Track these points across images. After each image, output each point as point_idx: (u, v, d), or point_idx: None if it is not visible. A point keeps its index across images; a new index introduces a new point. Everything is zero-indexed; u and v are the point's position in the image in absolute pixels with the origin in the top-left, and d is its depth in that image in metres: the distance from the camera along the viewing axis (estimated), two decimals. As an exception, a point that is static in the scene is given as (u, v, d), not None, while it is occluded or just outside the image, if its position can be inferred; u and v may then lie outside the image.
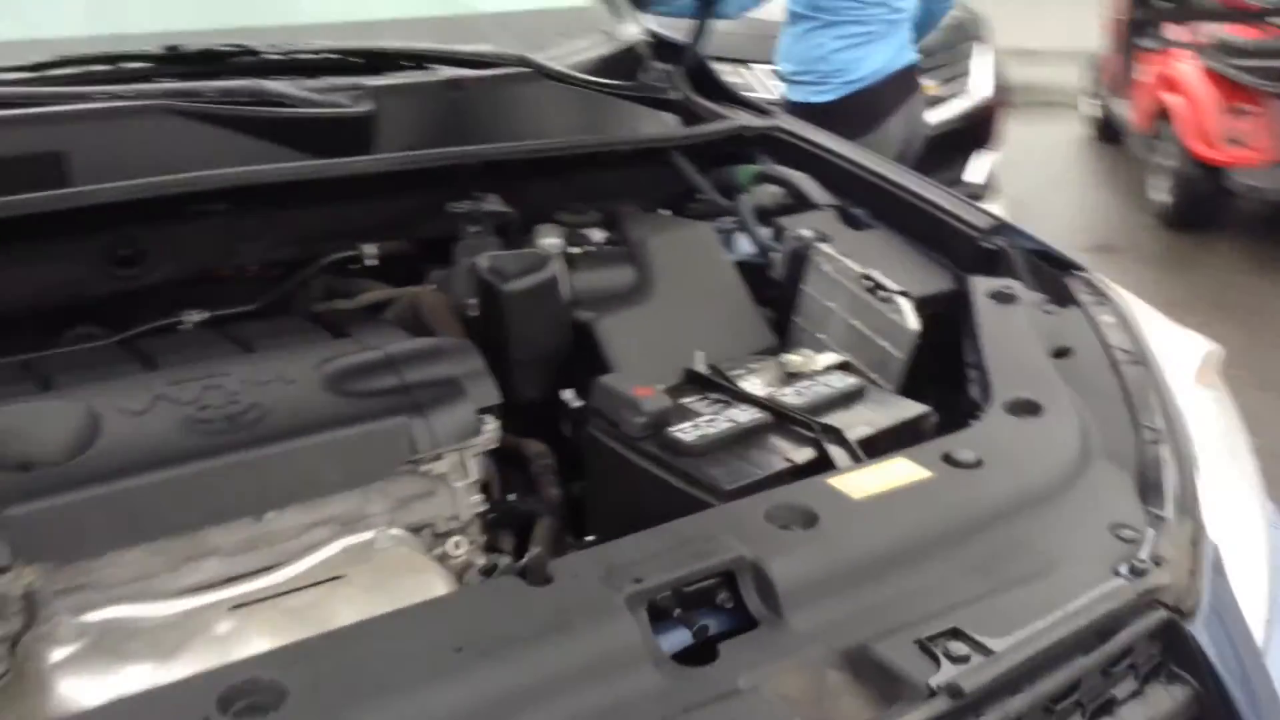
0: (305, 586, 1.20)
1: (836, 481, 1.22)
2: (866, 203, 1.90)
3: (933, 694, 0.95)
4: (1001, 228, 1.75)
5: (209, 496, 1.20)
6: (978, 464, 1.25)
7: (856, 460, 1.32)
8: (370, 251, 1.67)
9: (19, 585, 1.11)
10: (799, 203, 1.89)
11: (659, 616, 1.03)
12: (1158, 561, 1.14)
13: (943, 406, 1.48)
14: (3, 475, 1.14)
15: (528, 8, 2.26)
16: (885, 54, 3.49)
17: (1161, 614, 1.12)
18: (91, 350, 1.41)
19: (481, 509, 1.38)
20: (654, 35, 2.19)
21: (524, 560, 1.07)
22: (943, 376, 1.59)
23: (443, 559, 1.34)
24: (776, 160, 2.01)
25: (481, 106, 1.85)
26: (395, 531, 1.30)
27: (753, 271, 1.78)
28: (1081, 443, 1.32)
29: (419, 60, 1.84)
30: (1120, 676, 1.09)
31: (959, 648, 1.00)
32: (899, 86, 3.55)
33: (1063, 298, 1.64)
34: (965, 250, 1.75)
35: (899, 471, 1.24)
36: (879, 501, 1.19)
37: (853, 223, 1.86)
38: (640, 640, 0.99)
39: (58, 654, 1.10)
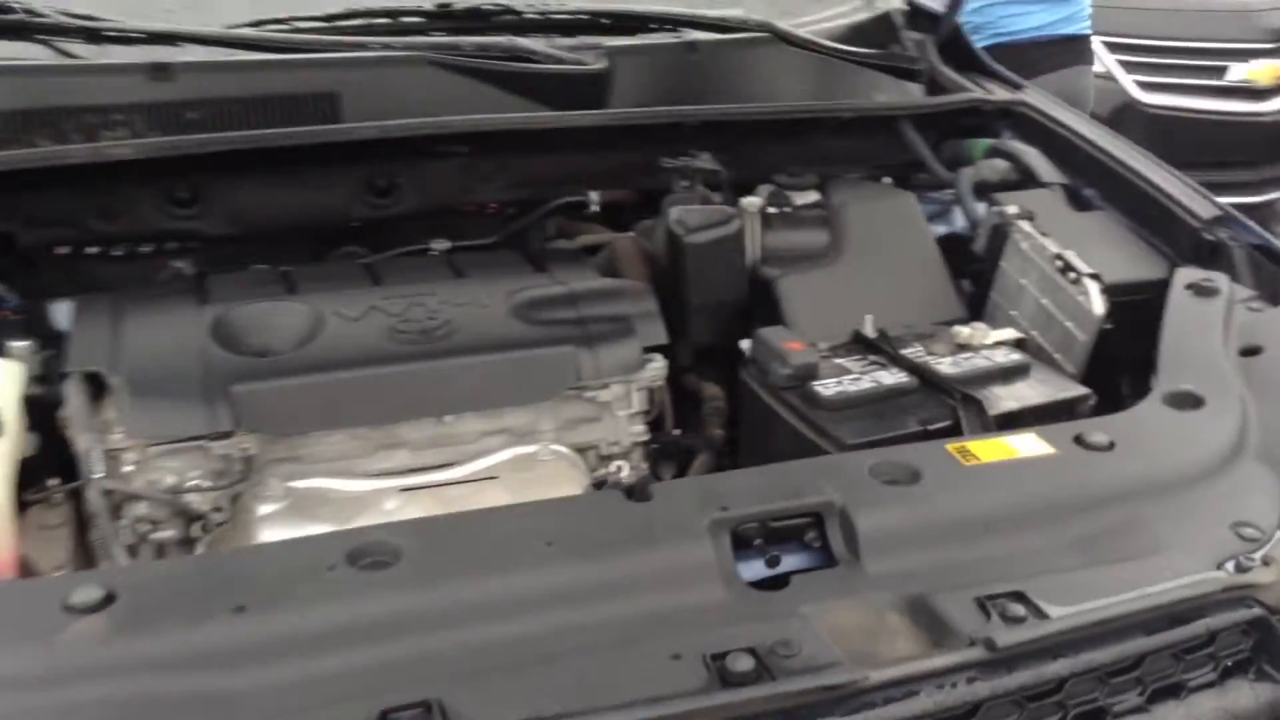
0: (464, 481, 1.38)
1: (954, 447, 1.26)
2: (1099, 184, 1.86)
3: (971, 645, 0.99)
4: (1224, 219, 1.67)
5: (400, 395, 1.40)
6: (1109, 447, 1.25)
7: (987, 431, 1.34)
8: (594, 198, 1.83)
9: (240, 450, 1.36)
10: (1025, 179, 1.87)
11: (743, 544, 1.12)
12: (1267, 562, 1.11)
13: (1133, 395, 1.46)
14: (238, 358, 1.39)
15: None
16: (1046, 16, 3.27)
17: (1256, 611, 1.09)
18: (337, 265, 1.65)
19: (645, 438, 1.51)
20: (910, 4, 2.20)
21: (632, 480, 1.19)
22: (1139, 365, 1.55)
23: (605, 480, 1.48)
24: (1019, 135, 1.99)
25: (715, 69, 1.95)
26: (558, 448, 1.46)
27: (959, 245, 1.79)
28: (1235, 440, 1.28)
29: (664, 23, 1.97)
30: (1197, 664, 1.08)
31: (1016, 609, 1.03)
32: (1057, 53, 3.31)
33: (1277, 296, 1.56)
34: (1185, 239, 1.69)
35: (1022, 445, 1.26)
36: (990, 469, 1.22)
37: (1079, 203, 1.83)
38: (714, 560, 1.09)
39: (264, 509, 1.33)
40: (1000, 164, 1.90)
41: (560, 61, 1.81)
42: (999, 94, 2.03)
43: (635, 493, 1.17)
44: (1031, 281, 1.64)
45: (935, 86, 2.08)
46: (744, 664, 0.96)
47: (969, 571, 1.09)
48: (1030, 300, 1.64)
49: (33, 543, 1.28)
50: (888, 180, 1.94)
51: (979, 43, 3.31)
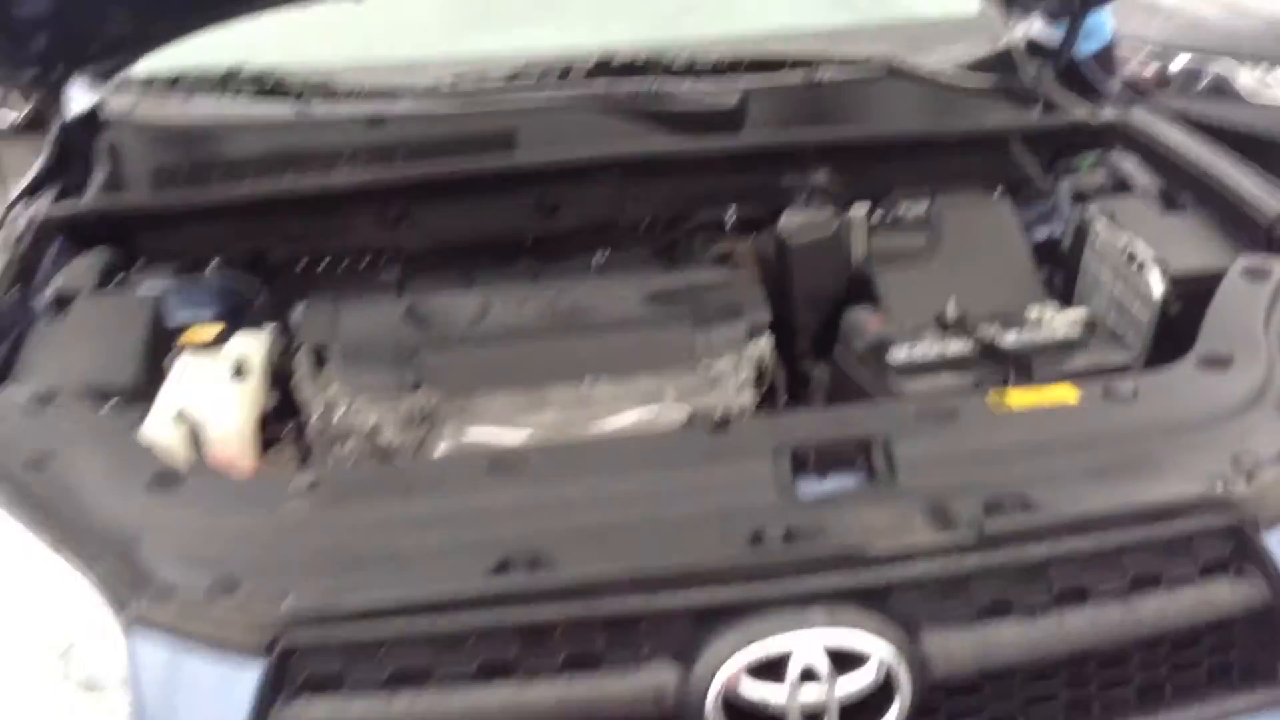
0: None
1: (993, 396, 1.49)
2: (1192, 188, 2.02)
3: (967, 529, 1.23)
4: (1289, 215, 1.81)
5: (547, 364, 1.74)
6: (1132, 396, 1.45)
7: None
8: (730, 215, 2.14)
9: (422, 403, 1.72)
10: (1120, 187, 2.06)
11: (801, 465, 1.39)
12: (1250, 477, 1.29)
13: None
14: (423, 334, 1.76)
15: (924, 17, 2.59)
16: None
17: (1233, 518, 1.28)
18: (506, 268, 2.02)
19: (753, 405, 1.80)
20: (1031, 39, 2.42)
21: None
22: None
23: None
24: (1125, 149, 2.17)
25: (838, 102, 2.23)
26: (678, 411, 1.76)
27: (1055, 246, 2.00)
28: (1255, 392, 1.45)
29: (795, 64, 2.26)
30: (1178, 561, 1.27)
31: (1016, 506, 1.26)
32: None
33: None
34: (1260, 235, 1.84)
35: (1054, 394, 1.48)
36: (1020, 412, 1.45)
37: (1170, 205, 2.00)
38: (772, 474, 1.36)
39: (439, 450, 1.69)
40: (1100, 174, 2.10)
41: (693, 101, 2.14)
42: (1106, 114, 2.22)
43: (717, 426, 1.47)
44: (1105, 271, 1.84)
45: (1050, 110, 2.29)
46: (776, 534, 1.23)
47: (986, 487, 1.32)
48: (1105, 288, 1.84)
49: (267, 470, 1.68)
50: (997, 194, 2.15)
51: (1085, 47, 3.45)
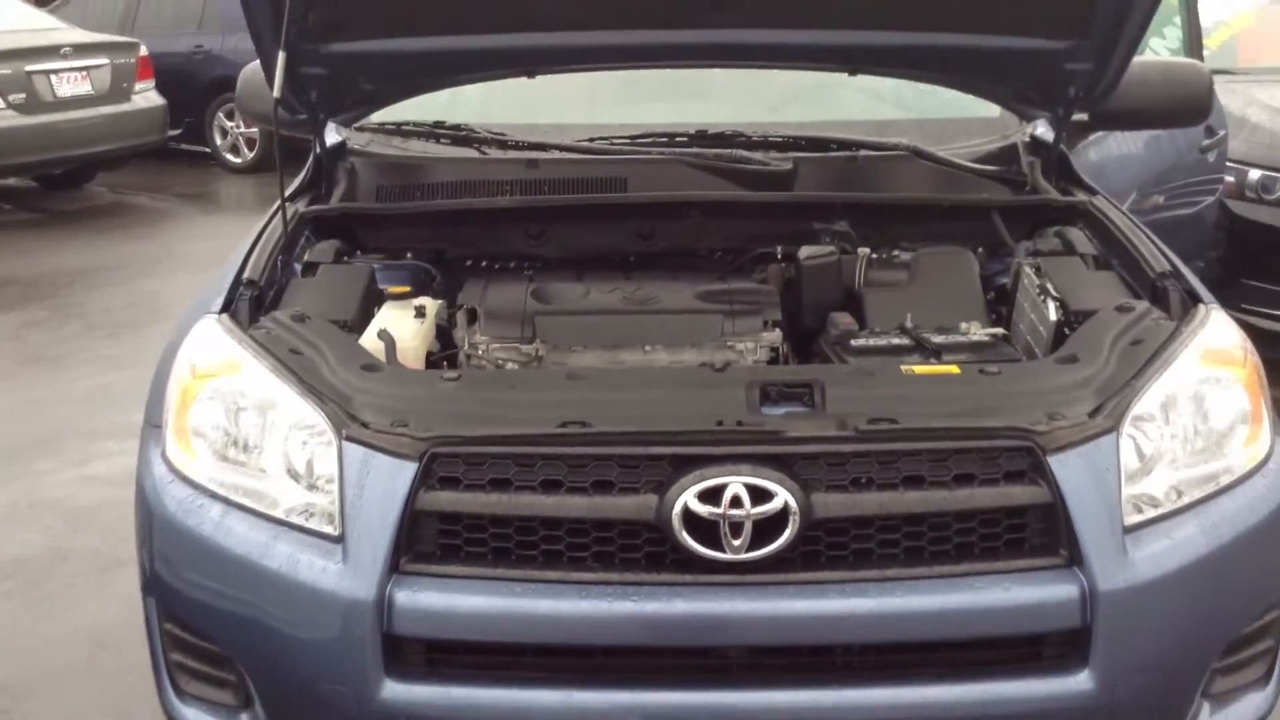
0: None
1: (905, 367, 2.23)
2: (1119, 255, 2.70)
3: (847, 427, 1.98)
4: (1169, 274, 2.47)
5: (624, 332, 2.55)
6: (998, 373, 2.18)
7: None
8: (779, 249, 2.92)
9: (535, 350, 2.55)
10: (1068, 250, 2.76)
11: (766, 396, 2.15)
12: (1051, 417, 2.00)
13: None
14: (542, 305, 2.61)
15: (953, 117, 3.35)
16: None
17: (1026, 442, 1.98)
18: (608, 272, 2.85)
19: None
20: (1033, 136, 3.14)
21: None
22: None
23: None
24: (1083, 225, 2.86)
25: (871, 173, 3.01)
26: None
27: (1002, 289, 2.73)
28: (1085, 381, 2.14)
29: (842, 145, 3.05)
30: (989, 467, 1.98)
31: (886, 421, 2.00)
32: None
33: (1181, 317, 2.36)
34: (1147, 286, 2.52)
35: (944, 369, 2.22)
36: (918, 375, 2.19)
37: (1099, 265, 2.69)
38: (744, 396, 2.12)
39: (545, 383, 2.52)
40: (1053, 241, 2.81)
41: (763, 164, 2.95)
42: (1070, 198, 2.91)
43: (718, 369, 2.26)
44: (1027, 303, 2.55)
45: (1034, 192, 3.01)
46: (732, 422, 2.01)
47: (874, 411, 2.05)
48: (1026, 315, 2.56)
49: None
50: (972, 251, 2.87)
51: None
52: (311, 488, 2.09)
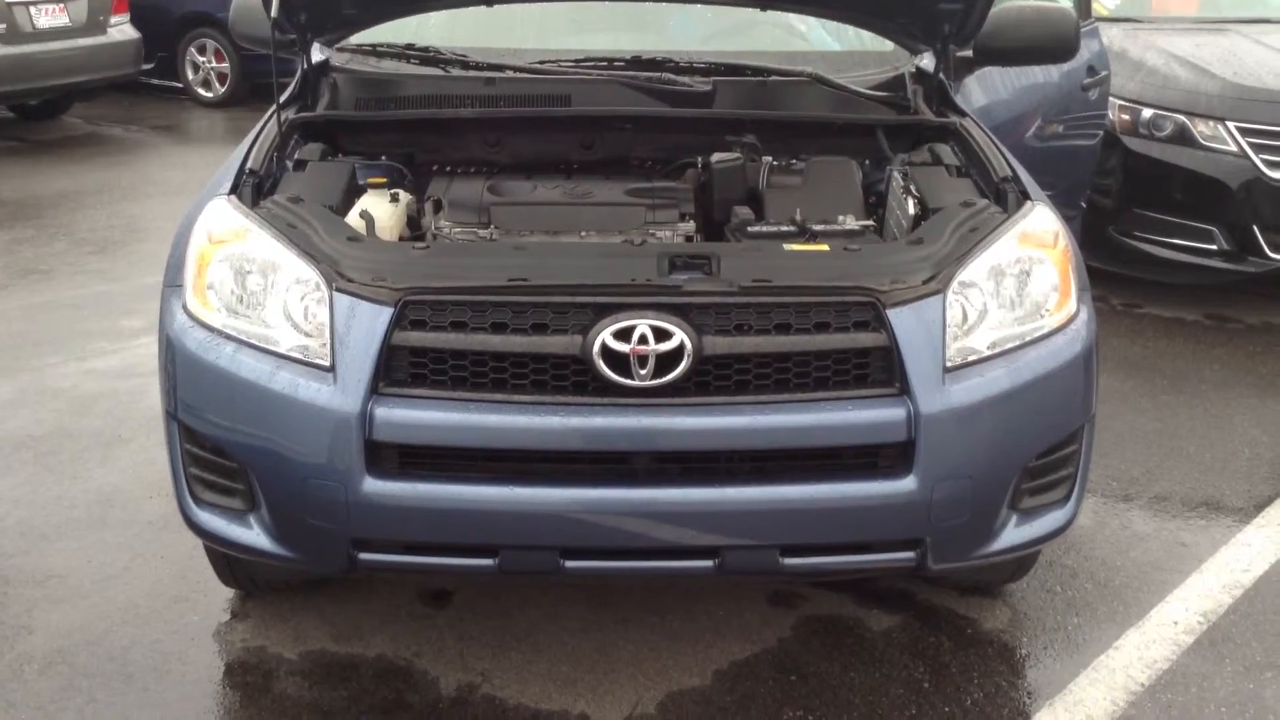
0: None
1: (786, 245, 2.78)
2: (977, 165, 3.25)
3: (734, 285, 2.53)
4: (1011, 179, 3.01)
5: (565, 220, 3.07)
6: (858, 250, 2.72)
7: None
8: (699, 159, 3.45)
9: (489, 234, 3.07)
10: (935, 162, 3.31)
11: (673, 265, 2.68)
12: (894, 282, 2.55)
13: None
14: (495, 197, 3.13)
15: (849, 49, 3.88)
16: None
17: (868, 297, 2.54)
18: (554, 175, 3.37)
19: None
20: (918, 68, 3.68)
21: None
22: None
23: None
24: (952, 141, 3.40)
25: (779, 96, 3.54)
26: (633, 254, 3.08)
27: (882, 194, 3.28)
28: (927, 258, 2.69)
29: (756, 71, 3.58)
30: (841, 317, 2.54)
31: (764, 281, 2.55)
32: None
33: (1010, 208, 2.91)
34: (992, 188, 3.07)
35: (816, 246, 2.77)
36: (794, 251, 2.74)
37: (959, 173, 3.23)
38: (655, 265, 2.65)
39: (497, 262, 3.05)
40: (924, 153, 3.36)
41: (687, 86, 3.47)
42: (944, 120, 3.45)
43: (635, 244, 2.79)
44: (895, 202, 3.10)
45: (915, 115, 3.55)
46: (642, 281, 2.54)
47: (756, 274, 2.60)
48: (894, 212, 3.11)
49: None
50: (855, 160, 3.41)
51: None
52: (307, 334, 2.61)
